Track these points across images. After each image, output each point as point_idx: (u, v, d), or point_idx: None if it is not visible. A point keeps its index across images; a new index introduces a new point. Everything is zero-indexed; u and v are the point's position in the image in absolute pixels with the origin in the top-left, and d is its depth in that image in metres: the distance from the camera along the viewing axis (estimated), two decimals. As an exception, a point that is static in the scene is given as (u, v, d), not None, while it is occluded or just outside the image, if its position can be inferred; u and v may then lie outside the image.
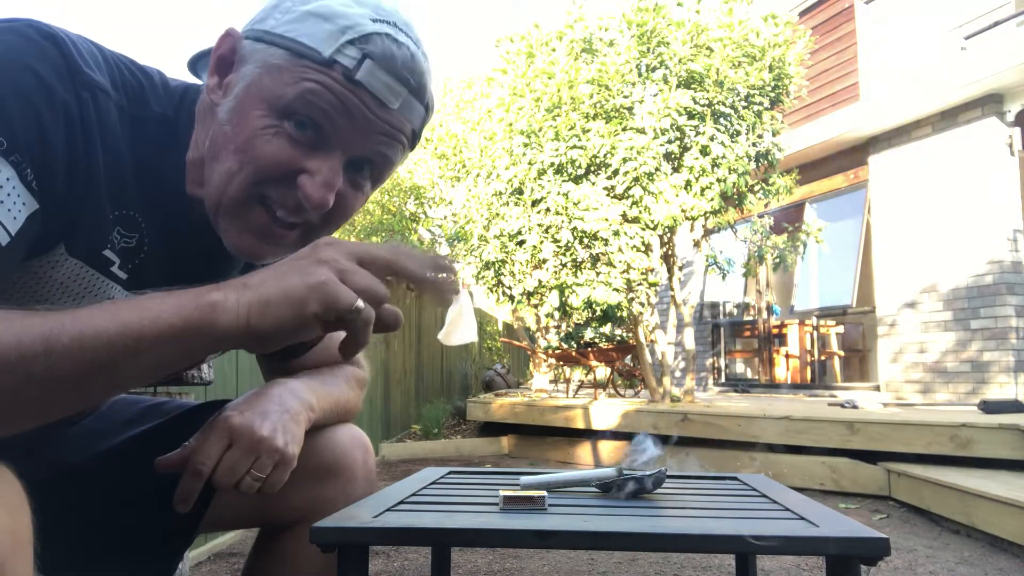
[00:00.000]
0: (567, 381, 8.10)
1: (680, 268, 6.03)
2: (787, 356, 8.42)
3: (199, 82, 0.80)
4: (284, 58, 0.68)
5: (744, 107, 5.27)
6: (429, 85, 0.74)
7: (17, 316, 0.54)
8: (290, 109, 0.68)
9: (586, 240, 5.16)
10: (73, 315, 0.55)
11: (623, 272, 5.25)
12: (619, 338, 7.69)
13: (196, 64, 0.80)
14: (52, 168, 0.62)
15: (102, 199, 0.68)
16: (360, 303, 0.61)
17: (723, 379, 9.35)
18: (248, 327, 0.59)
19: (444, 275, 0.66)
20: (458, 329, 7.58)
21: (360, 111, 0.69)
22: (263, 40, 0.69)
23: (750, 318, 9.03)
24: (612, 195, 5.19)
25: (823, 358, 8.05)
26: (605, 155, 5.10)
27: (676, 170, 5.22)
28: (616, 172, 5.08)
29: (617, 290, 5.21)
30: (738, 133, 5.23)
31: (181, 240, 0.78)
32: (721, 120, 5.21)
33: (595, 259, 5.34)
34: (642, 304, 5.50)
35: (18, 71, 0.60)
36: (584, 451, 5.42)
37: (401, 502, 1.02)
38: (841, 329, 8.16)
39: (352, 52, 0.67)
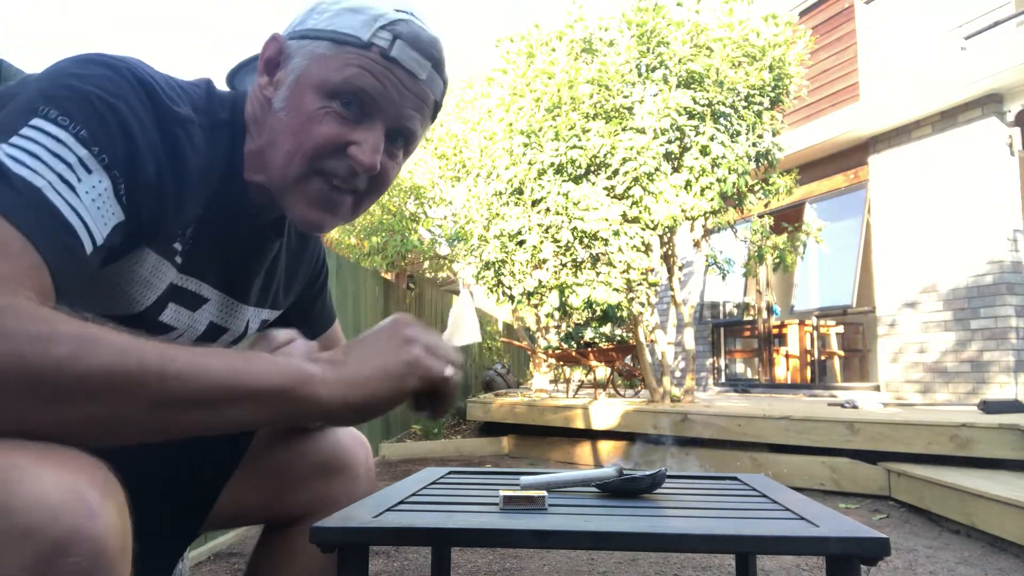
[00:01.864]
0: (567, 381, 8.10)
1: (680, 268, 6.03)
2: (787, 356, 8.42)
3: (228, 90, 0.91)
4: (329, 48, 0.80)
5: (744, 107, 5.27)
6: (445, 62, 0.86)
7: (135, 338, 0.56)
8: (337, 90, 0.79)
9: (586, 240, 5.16)
10: (187, 348, 0.58)
11: (623, 272, 5.25)
12: (619, 338, 7.69)
13: (234, 77, 0.92)
14: (140, 192, 0.71)
15: (185, 209, 0.78)
16: (449, 371, 0.71)
17: (723, 379, 9.35)
18: (345, 402, 0.65)
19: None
20: (460, 330, 7.57)
21: (395, 84, 0.81)
22: (307, 37, 0.81)
23: (750, 318, 9.03)
24: (612, 195, 5.18)
25: (823, 358, 8.05)
26: (605, 155, 5.10)
27: (676, 170, 5.22)
28: (616, 172, 5.08)
29: (617, 290, 5.21)
30: (738, 133, 5.23)
31: (230, 225, 0.86)
32: (721, 120, 5.21)
33: (595, 259, 5.34)
34: (642, 304, 5.50)
35: (121, 106, 0.70)
36: (584, 451, 5.42)
37: (401, 502, 1.02)
38: (841, 329, 8.15)
39: (385, 35, 0.80)
